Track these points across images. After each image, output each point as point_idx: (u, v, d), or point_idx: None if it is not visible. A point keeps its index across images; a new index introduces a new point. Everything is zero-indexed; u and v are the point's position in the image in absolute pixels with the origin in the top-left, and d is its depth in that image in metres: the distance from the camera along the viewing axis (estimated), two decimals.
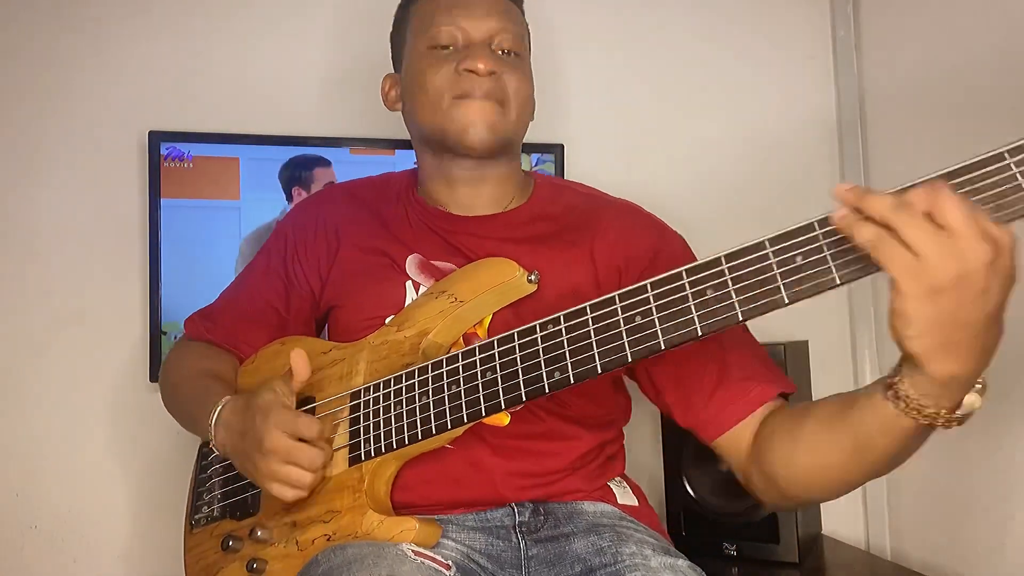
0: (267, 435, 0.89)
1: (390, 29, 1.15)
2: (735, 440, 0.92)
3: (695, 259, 0.78)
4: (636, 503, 1.07)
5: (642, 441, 1.61)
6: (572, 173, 1.61)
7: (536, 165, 1.60)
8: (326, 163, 1.54)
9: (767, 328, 1.64)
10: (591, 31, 1.70)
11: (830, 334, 1.70)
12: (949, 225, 0.61)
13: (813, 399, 1.58)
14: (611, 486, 1.06)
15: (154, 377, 1.49)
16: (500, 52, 1.03)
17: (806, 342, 1.61)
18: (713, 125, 1.72)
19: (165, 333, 1.48)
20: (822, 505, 1.60)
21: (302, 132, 1.56)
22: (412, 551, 0.88)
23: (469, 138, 1.00)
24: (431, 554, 0.89)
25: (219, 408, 1.00)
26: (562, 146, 1.60)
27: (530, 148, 1.60)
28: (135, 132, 1.53)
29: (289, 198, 1.52)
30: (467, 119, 1.00)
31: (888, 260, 0.63)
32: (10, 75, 1.53)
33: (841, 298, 1.71)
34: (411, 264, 1.05)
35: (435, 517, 0.96)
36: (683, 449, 1.47)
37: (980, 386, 0.71)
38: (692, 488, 1.46)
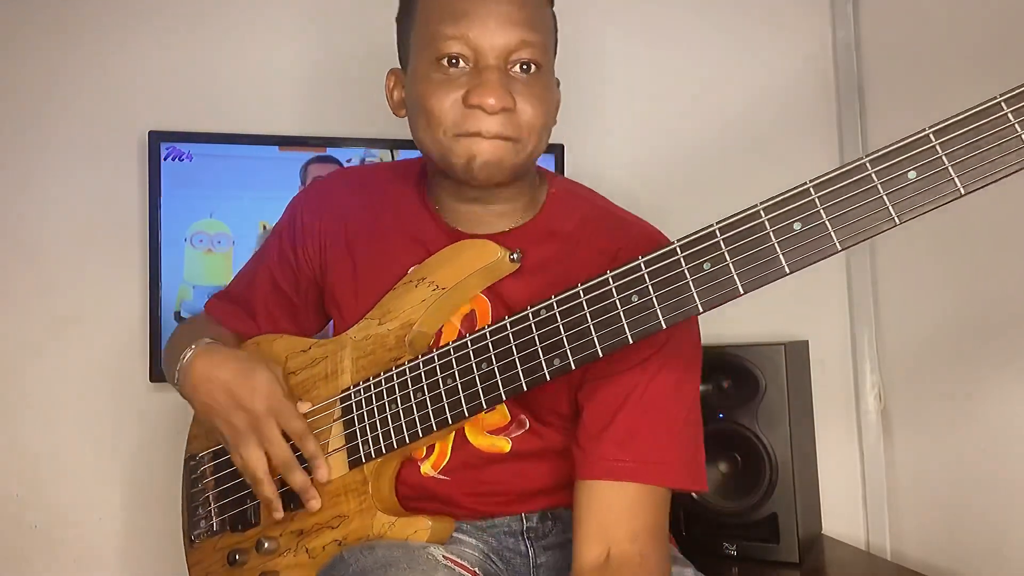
0: (266, 420, 0.93)
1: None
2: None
3: None
4: None
5: None
6: (572, 173, 1.61)
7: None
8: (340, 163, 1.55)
9: (767, 328, 1.65)
10: (591, 31, 1.70)
11: (830, 334, 1.70)
12: None
13: (813, 399, 1.60)
14: None
15: (154, 377, 1.49)
16: (519, 67, 0.89)
17: (806, 342, 1.61)
18: (713, 125, 1.72)
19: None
20: (822, 505, 1.60)
21: (303, 132, 1.56)
22: (443, 555, 0.87)
23: (475, 173, 0.89)
24: (458, 559, 0.88)
25: (208, 341, 0.99)
26: (562, 146, 1.60)
27: None
28: (135, 132, 1.53)
29: None
30: (472, 152, 0.88)
31: None
32: (10, 76, 1.53)
33: (841, 298, 1.71)
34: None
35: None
36: None
37: None
38: None
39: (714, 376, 1.47)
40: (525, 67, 0.89)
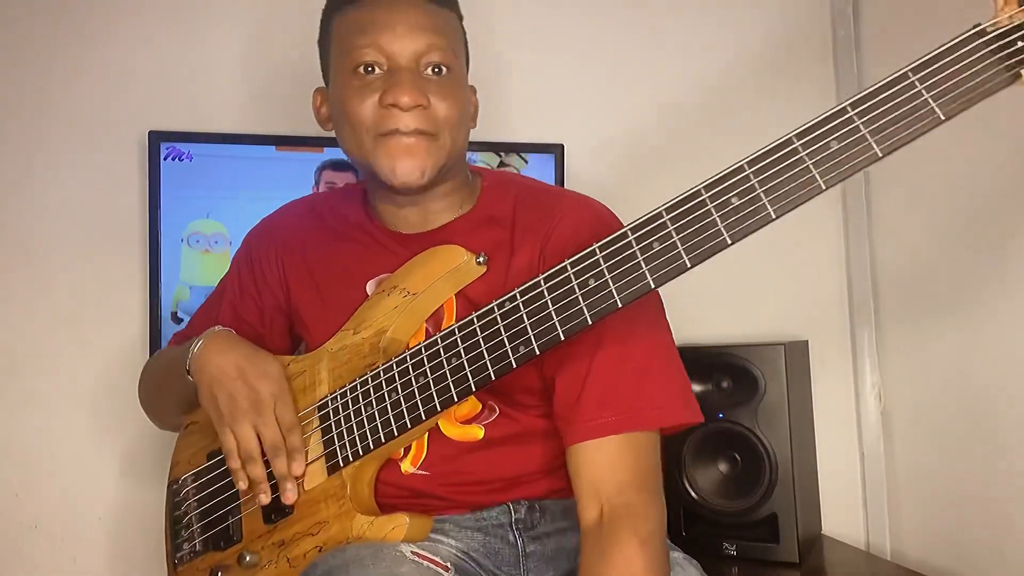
0: (268, 403, 0.95)
1: None
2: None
3: None
4: None
5: None
6: (572, 173, 1.61)
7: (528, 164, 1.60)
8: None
9: (767, 328, 1.65)
10: (590, 31, 1.70)
11: (830, 334, 1.70)
12: None
13: (813, 399, 1.60)
14: None
15: None
16: (430, 70, 0.95)
17: (806, 342, 1.61)
18: (713, 122, 1.72)
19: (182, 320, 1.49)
20: (822, 505, 1.61)
21: (303, 132, 1.55)
22: (411, 552, 0.88)
23: (399, 180, 0.94)
24: (430, 555, 0.89)
25: (220, 328, 1.02)
26: (562, 146, 1.60)
27: (530, 148, 1.60)
28: (135, 132, 1.53)
29: None
30: (394, 161, 0.93)
31: None
32: (10, 76, 1.53)
33: (841, 298, 1.71)
34: (370, 288, 1.03)
35: (433, 517, 0.97)
36: (683, 449, 1.47)
37: None
38: (692, 488, 1.47)
39: (714, 376, 1.47)
40: (436, 70, 0.96)
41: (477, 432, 0.96)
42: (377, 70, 0.94)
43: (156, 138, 1.49)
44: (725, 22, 1.73)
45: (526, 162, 1.60)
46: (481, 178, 1.07)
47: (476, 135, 1.60)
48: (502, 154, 1.59)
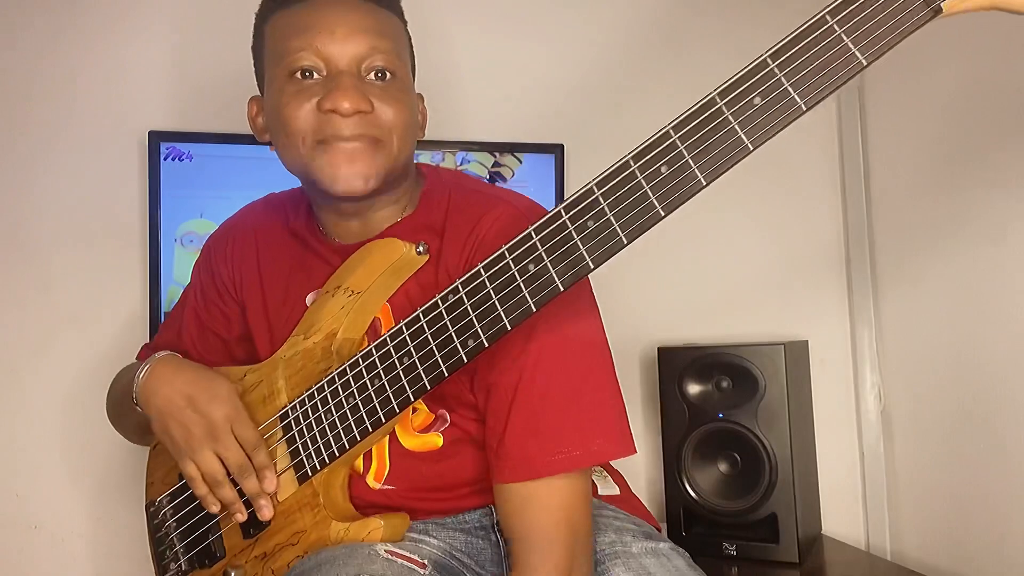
0: (223, 426, 0.92)
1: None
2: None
3: None
4: (618, 492, 1.08)
5: (642, 441, 1.61)
6: (572, 173, 1.61)
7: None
8: None
9: (767, 328, 1.65)
10: (590, 32, 1.70)
11: (830, 334, 1.70)
12: None
13: (813, 399, 1.60)
14: (592, 479, 1.05)
15: None
16: (373, 74, 0.90)
17: (806, 342, 1.61)
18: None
19: None
20: (822, 505, 1.61)
21: None
22: (385, 551, 0.88)
23: (340, 188, 0.89)
24: (406, 553, 0.88)
25: (163, 354, 0.99)
26: (562, 146, 1.60)
27: (530, 148, 1.60)
28: (135, 132, 1.53)
29: None
30: (335, 169, 0.89)
31: None
32: (10, 75, 1.53)
33: (841, 298, 1.71)
34: (311, 300, 1.02)
35: (415, 522, 0.96)
36: (683, 449, 1.47)
37: None
38: (692, 488, 1.47)
39: (714, 376, 1.47)
40: (380, 75, 0.91)
41: (436, 440, 0.95)
42: (315, 75, 0.89)
43: (156, 138, 1.49)
44: (726, 20, 1.73)
45: (520, 162, 1.60)
46: (424, 180, 1.03)
47: (476, 135, 1.61)
48: (496, 154, 1.59)
